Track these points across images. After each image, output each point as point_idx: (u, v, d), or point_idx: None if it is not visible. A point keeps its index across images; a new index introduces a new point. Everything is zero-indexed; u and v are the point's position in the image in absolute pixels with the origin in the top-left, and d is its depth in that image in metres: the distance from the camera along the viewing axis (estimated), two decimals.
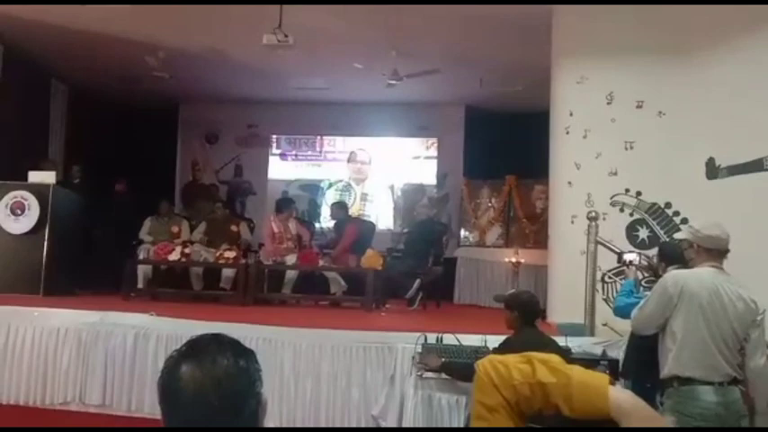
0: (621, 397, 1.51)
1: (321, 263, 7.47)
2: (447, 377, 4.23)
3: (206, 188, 10.72)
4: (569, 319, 5.19)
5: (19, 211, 6.56)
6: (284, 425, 4.58)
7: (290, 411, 4.64)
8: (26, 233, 6.57)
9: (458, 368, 4.08)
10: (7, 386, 4.95)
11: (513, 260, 8.07)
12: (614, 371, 3.92)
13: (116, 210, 8.43)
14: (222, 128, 11.33)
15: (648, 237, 5.86)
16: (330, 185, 11.22)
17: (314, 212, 10.85)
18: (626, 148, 5.93)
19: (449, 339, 4.48)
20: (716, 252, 3.19)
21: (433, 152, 10.97)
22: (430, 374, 4.31)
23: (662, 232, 5.83)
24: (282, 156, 11.35)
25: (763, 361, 3.11)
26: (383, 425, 4.49)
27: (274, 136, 11.34)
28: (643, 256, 4.40)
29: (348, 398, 4.61)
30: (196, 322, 4.93)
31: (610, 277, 5.70)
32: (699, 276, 3.15)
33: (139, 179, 9.10)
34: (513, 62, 8.13)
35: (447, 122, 10.68)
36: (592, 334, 4.92)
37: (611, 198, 5.94)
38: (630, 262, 4.14)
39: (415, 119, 10.70)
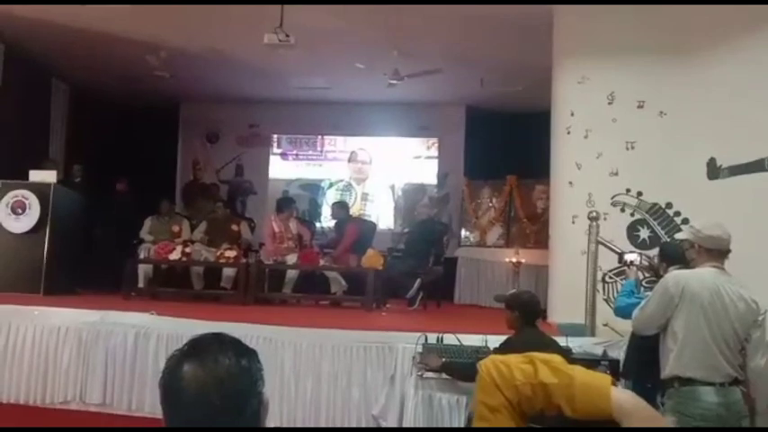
0: (623, 398, 1.51)
1: (322, 262, 7.47)
2: (447, 377, 4.23)
3: (207, 187, 10.72)
4: (570, 320, 5.19)
5: (20, 211, 6.56)
6: (285, 425, 4.58)
7: (291, 411, 4.63)
8: (27, 232, 6.56)
9: (458, 368, 4.08)
10: (8, 385, 4.95)
11: (514, 260, 8.06)
12: (615, 371, 3.92)
13: (117, 209, 8.44)
14: (223, 127, 11.33)
15: (649, 237, 5.85)
16: (331, 185, 11.22)
17: (314, 212, 10.85)
18: (627, 149, 5.93)
19: (449, 339, 4.48)
20: (717, 252, 3.19)
21: (434, 152, 10.97)
22: (430, 374, 4.31)
23: (663, 232, 5.82)
24: (283, 155, 11.34)
25: (764, 361, 3.12)
26: (383, 425, 4.49)
27: (275, 135, 11.34)
28: (644, 257, 4.40)
29: (348, 398, 4.61)
30: (197, 322, 4.93)
31: (610, 277, 5.70)
32: (700, 276, 3.15)
33: (140, 178, 9.11)
34: (514, 62, 8.12)
35: (448, 122, 10.68)
36: (592, 334, 4.91)
37: (612, 198, 5.93)
38: (631, 262, 4.14)
39: (415, 119, 10.69)
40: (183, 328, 4.83)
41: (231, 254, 7.22)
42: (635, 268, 4.11)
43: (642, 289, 4.11)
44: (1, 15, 7.48)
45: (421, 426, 4.28)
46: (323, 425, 4.61)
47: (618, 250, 4.84)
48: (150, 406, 4.72)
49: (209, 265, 7.35)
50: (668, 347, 3.16)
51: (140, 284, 7.27)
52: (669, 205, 5.85)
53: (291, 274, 7.31)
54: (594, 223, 5.08)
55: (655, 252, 4.51)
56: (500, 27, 7.20)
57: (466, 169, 10.17)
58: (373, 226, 9.11)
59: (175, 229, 7.94)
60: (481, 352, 4.16)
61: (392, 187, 11.08)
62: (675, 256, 3.70)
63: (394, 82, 8.36)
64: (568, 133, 6.20)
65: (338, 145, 11.26)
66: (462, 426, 4.15)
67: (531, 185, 8.67)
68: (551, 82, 6.51)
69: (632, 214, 5.92)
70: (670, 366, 3.12)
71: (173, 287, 7.31)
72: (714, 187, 5.54)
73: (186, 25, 7.71)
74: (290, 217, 7.82)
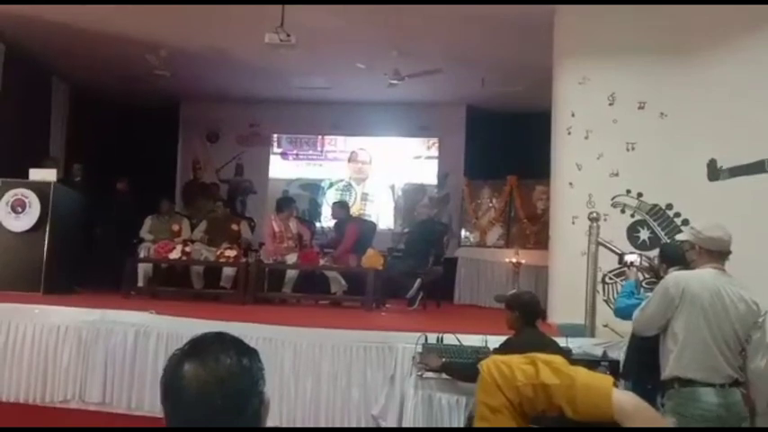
0: (625, 399, 1.51)
1: (322, 262, 7.47)
2: (447, 377, 4.23)
3: (207, 187, 10.71)
4: (570, 320, 5.19)
5: (20, 209, 6.55)
6: (284, 424, 4.57)
7: (290, 411, 4.64)
8: (27, 231, 6.55)
9: (458, 368, 4.08)
10: (7, 384, 4.95)
11: (514, 261, 8.06)
12: (615, 372, 3.92)
13: (117, 208, 8.45)
14: (223, 126, 11.32)
15: (649, 238, 5.85)
16: (331, 185, 11.22)
17: (314, 212, 10.84)
18: (627, 149, 5.93)
19: (449, 339, 4.48)
20: (717, 253, 3.19)
21: (434, 152, 10.96)
22: (430, 374, 4.31)
23: (663, 233, 5.82)
24: (283, 155, 11.34)
25: (765, 363, 3.11)
26: (383, 425, 4.49)
27: (275, 135, 11.33)
28: (644, 258, 4.40)
29: (348, 397, 4.62)
30: (196, 321, 4.93)
31: (610, 278, 5.70)
32: (700, 278, 3.15)
33: (140, 178, 9.11)
34: (515, 62, 8.12)
35: (448, 122, 10.66)
36: (592, 335, 4.91)
37: (613, 199, 5.93)
38: (631, 263, 4.14)
39: (416, 119, 10.69)
40: (182, 327, 4.83)
41: (231, 253, 7.22)
42: (635, 269, 4.11)
43: (642, 290, 4.11)
44: (1, 15, 7.47)
45: (421, 426, 4.28)
46: (322, 425, 4.61)
47: (618, 251, 4.84)
48: (150, 405, 4.73)
49: (209, 264, 7.35)
50: (668, 348, 3.16)
51: (140, 283, 7.26)
52: (669, 206, 5.85)
53: (291, 273, 7.31)
54: (595, 224, 5.08)
55: (655, 253, 4.51)
56: (500, 27, 7.20)
57: (466, 169, 10.17)
58: (373, 226, 9.11)
59: (175, 228, 7.94)
60: (481, 352, 4.16)
61: (392, 187, 11.07)
62: (675, 257, 3.70)
63: (394, 82, 8.36)
64: (569, 134, 6.20)
65: (338, 145, 11.25)
66: (462, 426, 4.15)
67: (531, 186, 8.67)
68: (552, 82, 6.51)
69: (632, 215, 5.92)
70: (670, 367, 3.12)
71: (172, 286, 7.31)
72: (714, 188, 5.55)
73: (187, 24, 7.71)
74: (290, 217, 7.82)
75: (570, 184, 6.15)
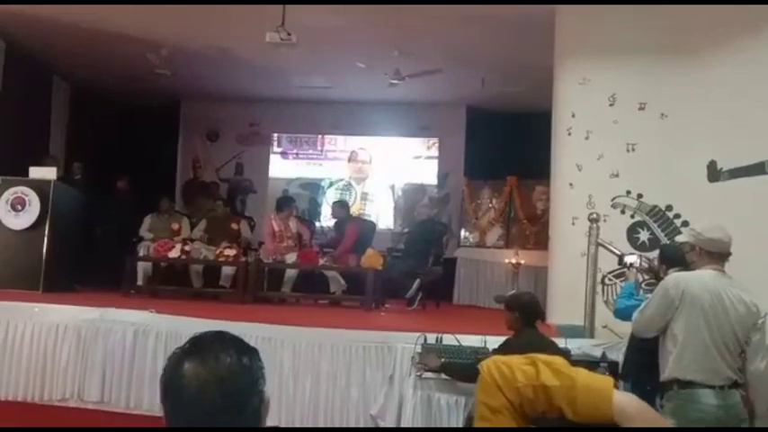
0: (625, 401, 1.51)
1: (321, 262, 7.46)
2: (446, 377, 4.23)
3: (207, 186, 10.69)
4: (569, 321, 5.19)
5: (19, 207, 6.55)
6: (283, 424, 4.57)
7: (289, 410, 4.63)
8: (26, 229, 6.55)
9: (458, 369, 4.08)
10: (6, 382, 4.94)
11: (514, 261, 8.05)
12: (614, 373, 3.92)
13: (117, 207, 8.45)
14: (223, 125, 11.31)
15: (649, 239, 5.85)
16: (331, 184, 11.21)
17: (314, 211, 10.84)
18: (628, 150, 5.93)
19: (448, 340, 4.48)
20: (718, 255, 3.19)
21: (434, 152, 10.96)
22: (429, 375, 4.31)
23: (662, 235, 5.82)
24: (283, 154, 11.33)
25: (764, 365, 3.11)
26: (381, 425, 4.49)
27: (275, 134, 11.33)
28: (644, 259, 4.40)
29: (347, 397, 4.61)
30: (195, 320, 4.92)
31: (610, 279, 5.70)
32: (701, 279, 3.15)
33: (140, 176, 9.10)
34: (515, 62, 8.12)
35: (448, 122, 10.66)
36: (591, 336, 4.91)
37: (613, 200, 5.93)
38: (631, 264, 4.14)
39: (416, 119, 10.68)
40: (181, 326, 4.83)
41: (230, 252, 7.22)
42: (635, 270, 4.11)
43: (642, 291, 4.11)
44: (2, 13, 7.47)
45: (419, 426, 4.27)
46: (321, 424, 4.61)
47: (618, 252, 4.83)
48: (148, 404, 4.73)
49: (209, 263, 7.34)
50: (668, 350, 3.16)
51: (139, 282, 7.25)
52: (669, 207, 5.85)
53: (291, 273, 7.30)
54: (594, 225, 5.08)
55: (654, 254, 4.51)
56: (500, 27, 7.20)
57: (466, 169, 10.16)
58: (373, 226, 9.10)
59: (175, 227, 7.94)
60: (480, 352, 4.16)
61: (392, 187, 11.07)
62: (675, 258, 3.70)
63: (395, 82, 8.35)
64: (569, 134, 6.19)
65: (338, 144, 11.25)
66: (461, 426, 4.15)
67: (531, 186, 8.67)
68: (552, 83, 6.50)
69: (632, 216, 5.92)
70: (669, 369, 3.12)
71: (172, 285, 7.31)
72: (714, 190, 5.55)
73: (187, 23, 7.70)
74: (290, 216, 7.82)
75: (570, 184, 6.15)
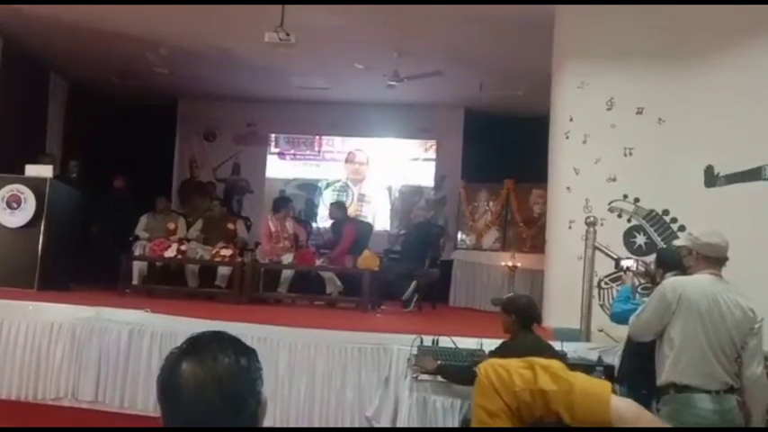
0: (623, 405, 1.50)
1: (318, 263, 7.45)
2: (442, 380, 4.22)
3: (203, 185, 10.68)
4: (565, 324, 5.18)
5: (15, 205, 6.52)
6: (278, 424, 4.56)
7: (284, 411, 4.63)
8: (22, 227, 6.52)
9: (454, 371, 4.07)
10: None
11: (510, 264, 8.06)
12: (610, 377, 3.92)
13: (114, 206, 8.42)
14: (221, 125, 11.29)
15: (645, 243, 5.86)
16: (328, 185, 11.20)
17: (311, 212, 10.83)
18: (625, 155, 5.94)
19: (445, 342, 4.47)
20: (715, 260, 3.19)
21: (432, 154, 10.96)
22: (425, 377, 4.30)
23: (659, 239, 5.82)
24: (281, 155, 11.32)
25: (760, 369, 3.10)
26: (377, 426, 4.48)
27: (273, 135, 11.32)
28: (640, 263, 4.40)
29: (342, 398, 4.61)
30: (191, 320, 4.91)
31: (606, 283, 5.70)
32: (697, 283, 3.15)
33: (137, 175, 9.08)
34: (514, 66, 8.13)
35: (446, 125, 10.66)
36: (588, 339, 4.91)
37: (610, 204, 5.93)
38: (628, 268, 4.14)
39: (414, 120, 10.68)
40: (177, 326, 4.82)
41: (227, 252, 7.21)
42: (631, 274, 4.11)
43: (638, 295, 4.11)
44: (0, 10, 7.44)
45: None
46: (316, 425, 4.60)
47: (614, 256, 4.84)
48: (142, 403, 4.72)
49: (205, 263, 7.33)
50: (664, 354, 3.16)
51: (135, 282, 7.24)
52: (666, 212, 5.86)
53: (287, 273, 7.30)
54: (591, 228, 5.09)
55: (651, 258, 4.51)
56: (500, 28, 7.20)
57: (463, 172, 10.17)
58: (370, 227, 9.10)
59: (171, 226, 7.92)
60: (476, 355, 4.16)
61: (389, 189, 11.06)
62: (672, 262, 3.70)
63: (393, 83, 8.35)
64: (567, 138, 6.20)
65: (336, 145, 11.24)
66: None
67: (528, 189, 8.68)
68: (551, 86, 6.51)
69: (629, 220, 5.92)
70: (666, 373, 3.12)
71: (167, 285, 7.30)
72: (711, 195, 5.56)
73: (187, 23, 7.69)
74: (287, 216, 7.81)
75: (567, 188, 6.15)
